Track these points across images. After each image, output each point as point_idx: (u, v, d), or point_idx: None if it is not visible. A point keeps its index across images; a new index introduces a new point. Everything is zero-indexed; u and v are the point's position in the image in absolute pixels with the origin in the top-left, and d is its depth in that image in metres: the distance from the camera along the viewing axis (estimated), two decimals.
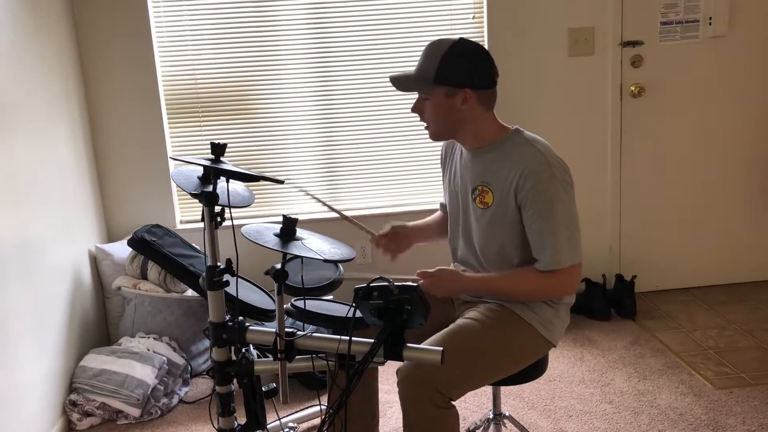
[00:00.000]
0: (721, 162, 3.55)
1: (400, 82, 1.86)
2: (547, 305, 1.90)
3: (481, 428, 2.24)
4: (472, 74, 1.81)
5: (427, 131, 1.91)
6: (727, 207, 3.60)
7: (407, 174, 3.47)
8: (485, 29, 3.32)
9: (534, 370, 1.94)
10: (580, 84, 3.41)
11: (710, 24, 3.35)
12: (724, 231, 3.63)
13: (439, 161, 2.15)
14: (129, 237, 2.91)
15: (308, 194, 1.93)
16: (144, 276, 3.01)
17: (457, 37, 1.83)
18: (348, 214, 3.38)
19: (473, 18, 3.32)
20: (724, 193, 3.59)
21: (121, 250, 3.11)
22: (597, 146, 3.48)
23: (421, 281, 1.78)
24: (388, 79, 3.26)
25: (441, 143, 2.10)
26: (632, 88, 3.39)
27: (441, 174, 2.15)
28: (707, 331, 3.18)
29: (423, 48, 1.86)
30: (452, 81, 1.79)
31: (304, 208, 3.46)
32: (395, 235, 2.08)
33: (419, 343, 1.56)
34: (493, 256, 1.91)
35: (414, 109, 1.89)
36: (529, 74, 3.37)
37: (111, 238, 3.33)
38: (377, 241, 2.06)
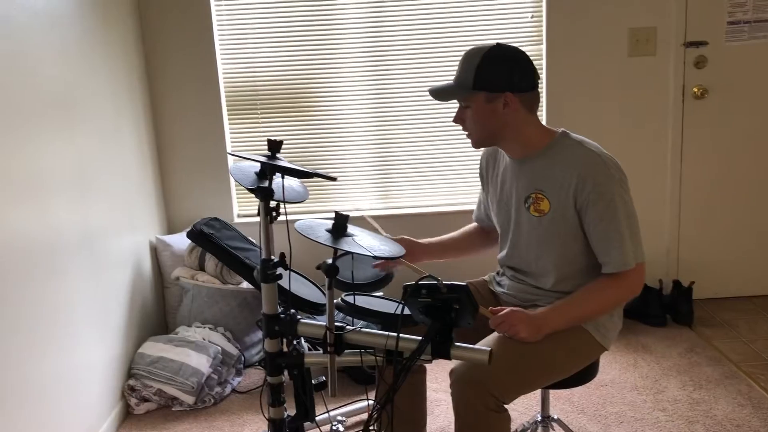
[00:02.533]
0: None
1: (439, 93, 1.85)
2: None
3: (529, 430, 2.23)
4: (510, 77, 1.78)
5: (469, 140, 1.89)
6: None
7: (460, 173, 3.46)
8: (543, 28, 3.29)
9: (585, 374, 1.92)
10: (639, 85, 3.34)
11: None
12: None
13: (478, 173, 2.13)
14: (188, 229, 2.99)
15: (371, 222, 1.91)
16: (202, 267, 3.09)
17: (493, 42, 1.82)
18: (401, 212, 3.42)
19: (531, 17, 3.29)
20: None
21: (181, 241, 3.20)
22: (656, 149, 3.41)
23: (494, 322, 1.77)
24: (443, 79, 3.29)
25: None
26: (695, 89, 3.31)
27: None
28: None
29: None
30: (491, 85, 1.77)
31: (360, 205, 3.50)
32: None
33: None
34: (552, 264, 1.87)
35: (456, 120, 1.87)
36: (587, 74, 3.32)
37: (171, 229, 3.43)
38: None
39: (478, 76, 1.77)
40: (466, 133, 1.88)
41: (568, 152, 1.81)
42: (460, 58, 1.85)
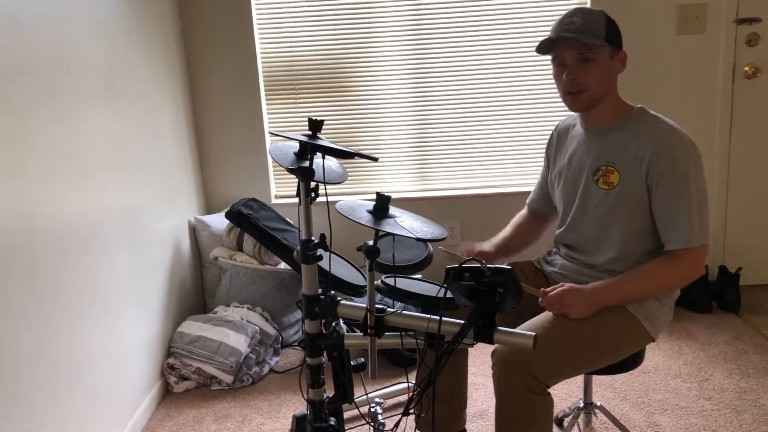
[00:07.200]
0: None
1: (579, 32, 1.74)
2: (654, 298, 1.83)
3: (571, 416, 2.19)
4: (621, 38, 1.82)
5: (571, 97, 1.79)
6: None
7: (499, 155, 3.40)
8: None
9: (629, 361, 1.87)
10: (688, 64, 3.23)
11: None
12: None
13: (545, 149, 2.08)
14: (226, 210, 3.00)
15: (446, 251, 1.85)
16: (240, 248, 3.10)
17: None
18: (440, 194, 3.38)
19: None
20: None
21: (219, 221, 3.21)
22: (704, 130, 3.30)
23: (546, 298, 1.74)
24: (483, 59, 3.22)
25: (553, 126, 2.02)
26: (746, 68, 3.19)
27: (543, 158, 2.09)
28: None
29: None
30: (617, 41, 1.80)
31: (397, 187, 3.47)
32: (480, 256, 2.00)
33: (514, 328, 1.53)
34: (615, 240, 1.83)
35: (575, 71, 1.77)
36: (633, 53, 3.21)
37: (209, 210, 3.45)
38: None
39: (609, 30, 1.77)
40: (577, 90, 1.78)
41: (646, 126, 1.79)
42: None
